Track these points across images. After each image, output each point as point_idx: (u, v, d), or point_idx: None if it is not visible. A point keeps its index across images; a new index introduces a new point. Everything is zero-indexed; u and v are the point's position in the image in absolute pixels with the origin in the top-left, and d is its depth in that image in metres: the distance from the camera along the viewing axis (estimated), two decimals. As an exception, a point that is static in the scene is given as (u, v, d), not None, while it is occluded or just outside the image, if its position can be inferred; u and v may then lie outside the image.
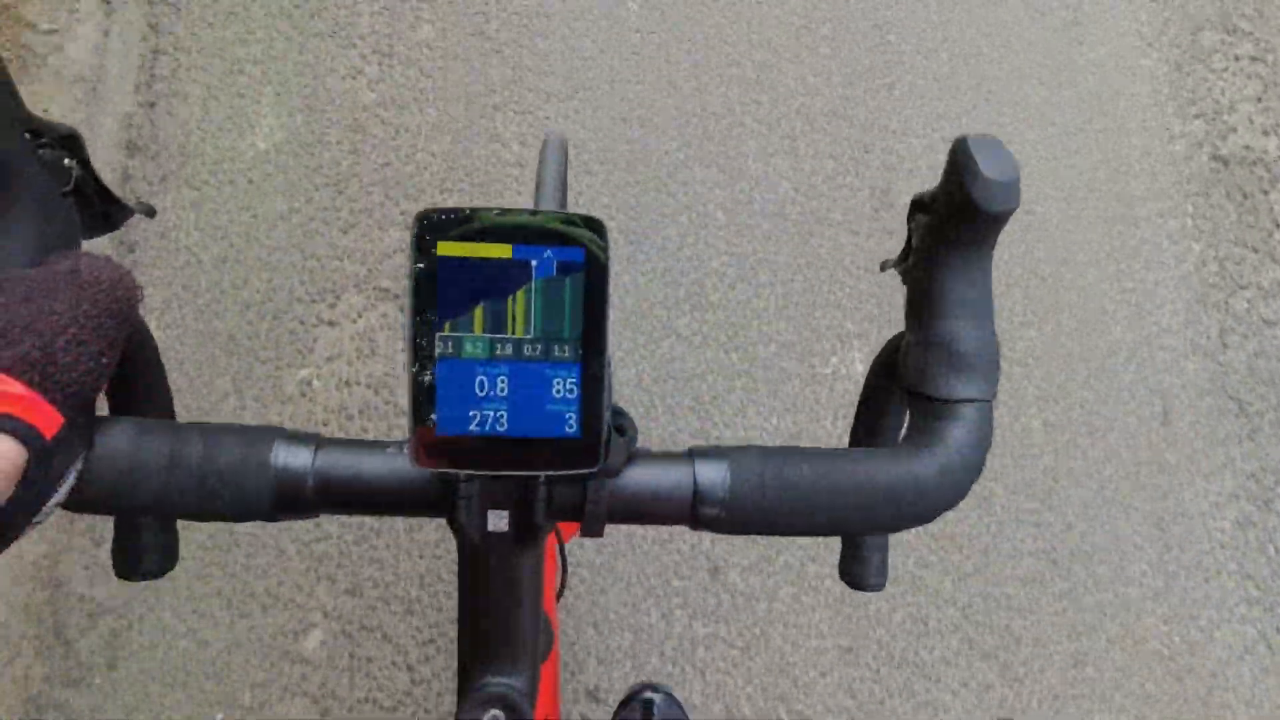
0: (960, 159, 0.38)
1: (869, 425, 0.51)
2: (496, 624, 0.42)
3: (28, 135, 0.38)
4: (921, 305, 0.42)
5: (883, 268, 0.52)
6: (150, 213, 0.49)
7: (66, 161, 0.40)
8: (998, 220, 0.38)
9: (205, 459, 0.37)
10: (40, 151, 0.39)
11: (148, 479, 0.37)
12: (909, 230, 0.45)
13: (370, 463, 0.39)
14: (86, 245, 0.44)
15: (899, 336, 0.48)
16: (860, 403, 0.52)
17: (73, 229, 0.41)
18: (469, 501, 0.38)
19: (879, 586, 0.55)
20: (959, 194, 0.38)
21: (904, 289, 0.45)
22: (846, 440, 0.55)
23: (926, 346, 0.42)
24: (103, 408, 0.39)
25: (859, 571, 0.54)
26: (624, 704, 1.20)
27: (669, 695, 1.13)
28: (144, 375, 0.46)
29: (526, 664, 0.43)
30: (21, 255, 0.38)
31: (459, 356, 0.35)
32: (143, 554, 0.49)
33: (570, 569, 1.35)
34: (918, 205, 0.44)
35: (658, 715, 1.09)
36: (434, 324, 0.35)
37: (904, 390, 0.44)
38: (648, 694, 1.14)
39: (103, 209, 0.45)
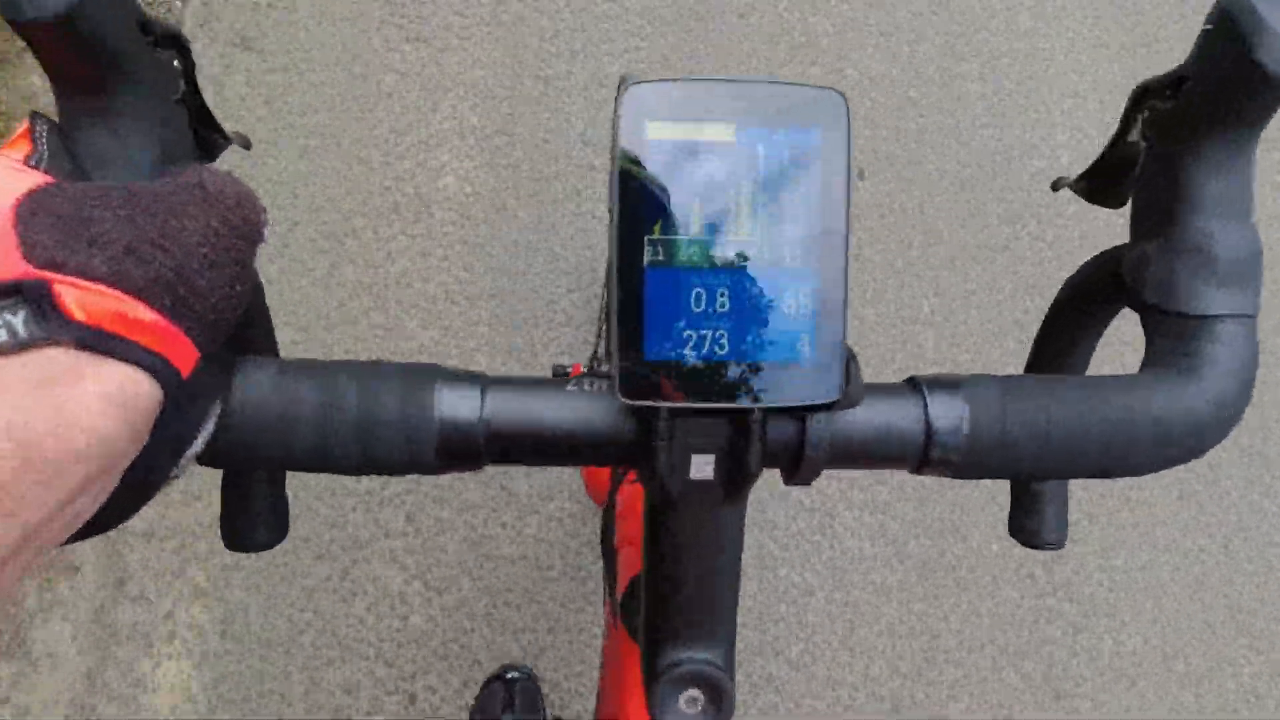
0: (1237, 15, 0.32)
1: (1062, 347, 0.44)
2: (693, 589, 0.35)
3: (140, 31, 0.32)
4: (1168, 208, 0.36)
5: (1055, 187, 0.45)
6: (247, 144, 0.43)
7: (176, 63, 0.34)
8: None
9: (362, 405, 0.31)
10: (154, 51, 0.33)
11: (297, 429, 0.31)
12: (1124, 128, 0.39)
13: (546, 404, 0.32)
14: None
15: (1110, 253, 0.41)
16: (1049, 320, 0.45)
17: (187, 142, 0.36)
18: (670, 444, 0.31)
19: (1059, 544, 0.48)
20: (1237, 61, 0.32)
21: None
22: None
23: (1178, 253, 0.35)
24: None
25: (1033, 526, 0.48)
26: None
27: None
28: (256, 312, 0.41)
29: (725, 635, 0.37)
30: (138, 169, 0.32)
31: (671, 264, 0.29)
32: (255, 523, 0.43)
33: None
34: (1147, 93, 0.37)
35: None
36: (643, 224, 0.29)
37: (1142, 310, 0.38)
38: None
39: (203, 133, 0.39)
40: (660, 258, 0.29)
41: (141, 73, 0.32)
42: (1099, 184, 0.42)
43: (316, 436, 0.31)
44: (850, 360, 0.32)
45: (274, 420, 0.30)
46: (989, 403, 0.34)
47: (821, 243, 0.29)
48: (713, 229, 0.29)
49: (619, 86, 0.29)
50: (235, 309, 0.30)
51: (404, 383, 0.32)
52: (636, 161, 0.28)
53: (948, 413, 0.33)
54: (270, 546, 0.44)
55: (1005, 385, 0.34)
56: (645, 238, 0.29)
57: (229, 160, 1.35)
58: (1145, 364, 0.37)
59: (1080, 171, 0.42)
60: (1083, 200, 0.43)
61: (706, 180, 0.29)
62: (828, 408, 0.31)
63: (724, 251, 0.29)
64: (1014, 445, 0.34)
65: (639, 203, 0.28)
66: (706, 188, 0.29)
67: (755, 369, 0.29)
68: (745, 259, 0.29)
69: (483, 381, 0.32)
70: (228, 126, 0.40)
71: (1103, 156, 0.41)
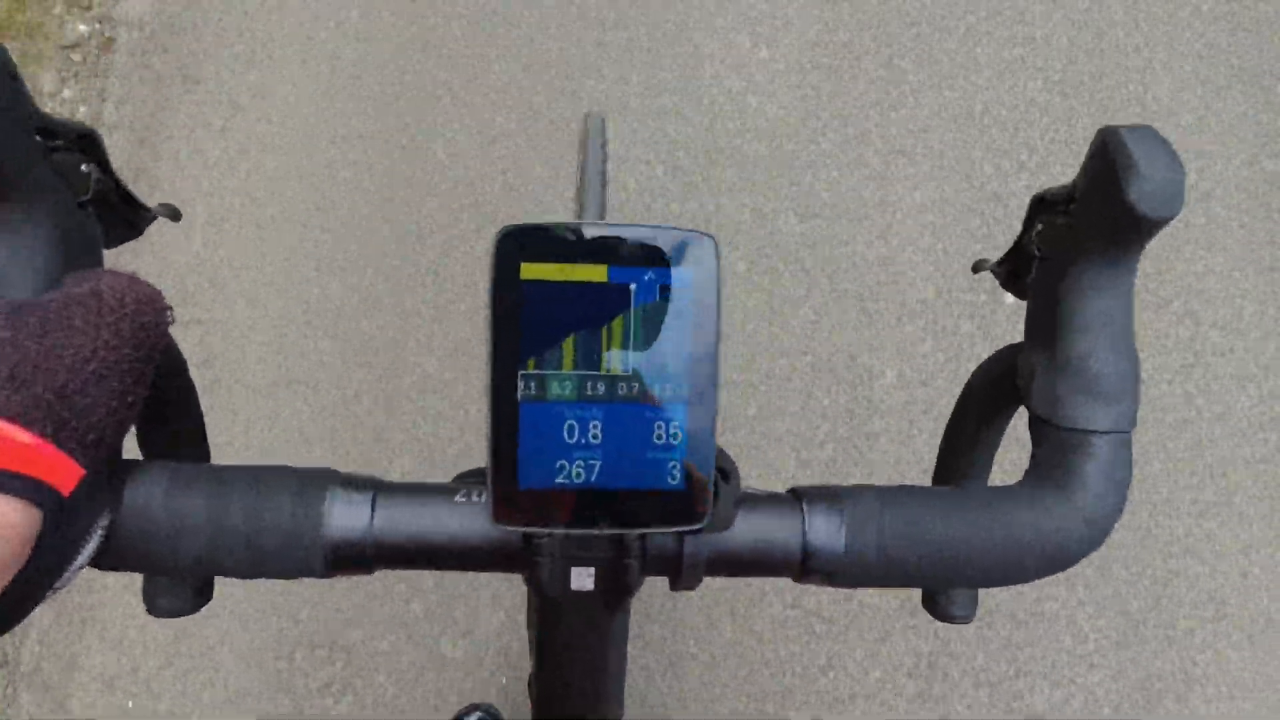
0: (1112, 154, 0.33)
1: (963, 452, 0.46)
2: (577, 688, 0.37)
3: (38, 137, 0.33)
4: (1053, 321, 0.37)
5: (976, 269, 0.46)
6: (175, 216, 0.44)
7: (84, 166, 0.35)
8: (1157, 226, 0.33)
9: (251, 513, 0.32)
10: (54, 156, 0.33)
11: (186, 537, 0.32)
12: (1026, 231, 0.40)
13: (437, 514, 0.34)
14: (108, 257, 0.39)
15: (1010, 350, 0.42)
16: (951, 425, 0.47)
17: (93, 242, 0.36)
18: (551, 559, 0.33)
19: (967, 619, 0.50)
20: (1111, 196, 0.33)
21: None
22: None
23: (1060, 370, 0.37)
24: (131, 449, 0.34)
25: (943, 602, 0.49)
26: None
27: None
28: (177, 409, 0.41)
29: None
30: (36, 278, 0.32)
31: (545, 399, 0.30)
32: (176, 592, 0.44)
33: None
34: (1044, 204, 0.38)
35: None
36: (517, 360, 0.30)
37: (1029, 417, 0.39)
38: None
39: (125, 215, 0.39)
40: (533, 392, 0.30)
41: (41, 181, 0.33)
42: (1008, 273, 0.43)
43: (206, 545, 0.32)
44: (722, 484, 0.33)
45: (163, 530, 0.31)
46: (866, 516, 0.35)
47: (691, 376, 0.30)
48: (585, 363, 0.30)
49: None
50: (124, 421, 0.31)
51: (294, 492, 0.33)
52: (510, 300, 0.29)
53: (825, 526, 0.35)
54: (192, 613, 0.45)
55: (884, 498, 0.36)
56: (519, 372, 0.30)
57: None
58: (1028, 472, 0.38)
59: (1000, 256, 0.43)
60: None
61: (579, 318, 0.30)
62: (698, 531, 0.32)
63: (596, 386, 0.30)
64: (890, 558, 0.35)
65: (512, 339, 0.30)
66: (579, 325, 0.30)
67: (627, 496, 0.31)
68: (617, 393, 0.30)
69: (374, 489, 0.34)
70: (153, 200, 0.41)
71: (1010, 251, 0.42)
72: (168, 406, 0.42)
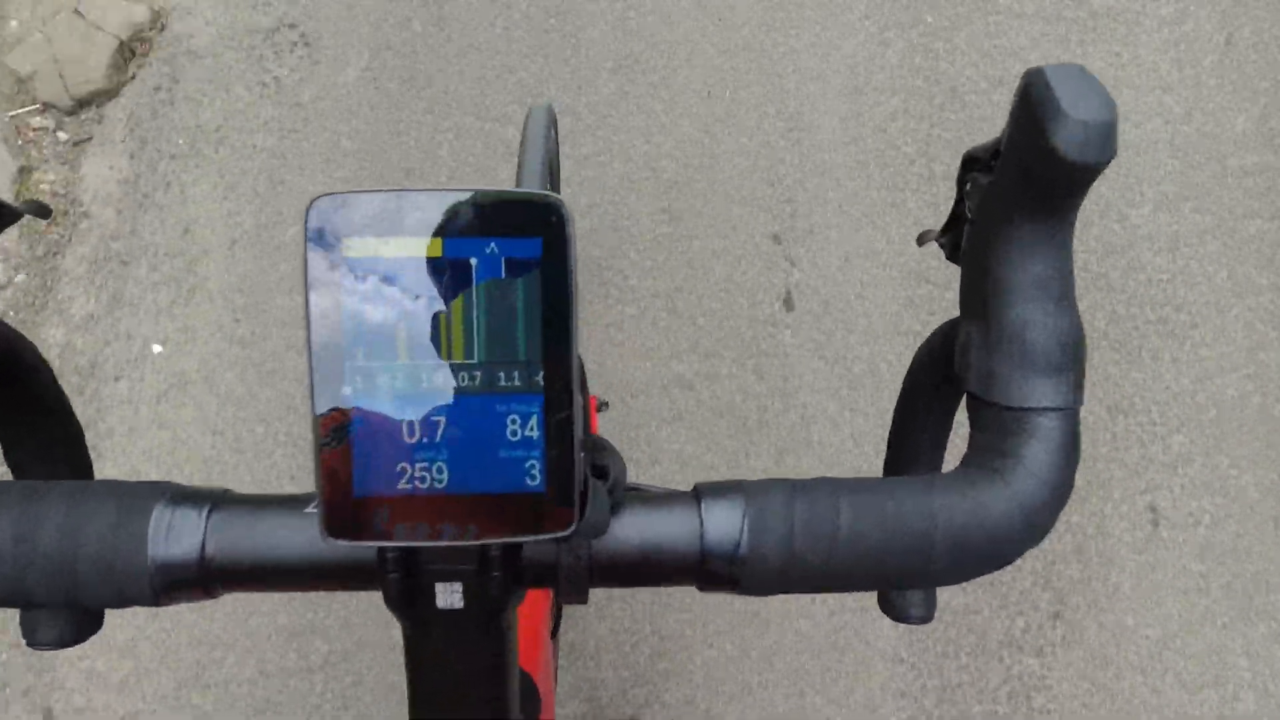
0: (1036, 96, 0.29)
1: (911, 440, 0.42)
2: (459, 714, 0.33)
3: None
4: (985, 290, 0.33)
5: (920, 241, 0.42)
6: (45, 213, 0.40)
7: None
8: (1088, 174, 0.29)
9: (65, 534, 0.29)
10: None
11: None
12: (959, 195, 0.36)
13: (281, 528, 0.30)
14: None
15: (949, 325, 0.38)
16: (898, 411, 0.43)
17: None
18: (408, 575, 0.29)
19: (926, 619, 0.46)
20: (1037, 142, 0.29)
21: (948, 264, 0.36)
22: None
23: (994, 342, 0.33)
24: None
25: (899, 602, 0.45)
26: None
27: None
28: (44, 421, 0.38)
29: None
30: None
31: (377, 394, 0.26)
32: (56, 620, 0.40)
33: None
34: (972, 162, 0.34)
35: None
36: (342, 352, 0.26)
37: (965, 396, 0.35)
38: None
39: None
40: (364, 386, 0.26)
41: None
42: (952, 243, 0.39)
43: (10, 571, 0.28)
44: (596, 483, 0.29)
45: None
46: (771, 512, 0.31)
47: (546, 361, 0.26)
48: (422, 352, 0.26)
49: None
50: None
51: (116, 508, 0.29)
52: (332, 282, 0.26)
53: (725, 524, 0.31)
54: (78, 642, 0.41)
55: (793, 491, 0.32)
56: (346, 364, 0.26)
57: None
58: (965, 459, 0.34)
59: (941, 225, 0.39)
60: None
61: (413, 299, 0.26)
62: (567, 538, 0.28)
63: (436, 377, 0.26)
64: (801, 559, 0.31)
65: (336, 328, 0.26)
66: (413, 307, 0.26)
67: (480, 501, 0.27)
68: (461, 384, 0.26)
69: (210, 502, 0.30)
70: (18, 198, 0.37)
71: (950, 218, 0.38)
72: (32, 421, 0.39)
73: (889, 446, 0.44)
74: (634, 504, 0.31)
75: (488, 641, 0.31)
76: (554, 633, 0.68)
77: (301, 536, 0.30)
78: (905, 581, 0.32)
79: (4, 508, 0.28)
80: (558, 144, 1.16)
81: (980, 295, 0.33)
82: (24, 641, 0.42)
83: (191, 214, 1.38)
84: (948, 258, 0.41)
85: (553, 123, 0.93)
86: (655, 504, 0.31)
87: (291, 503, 0.30)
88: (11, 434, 0.38)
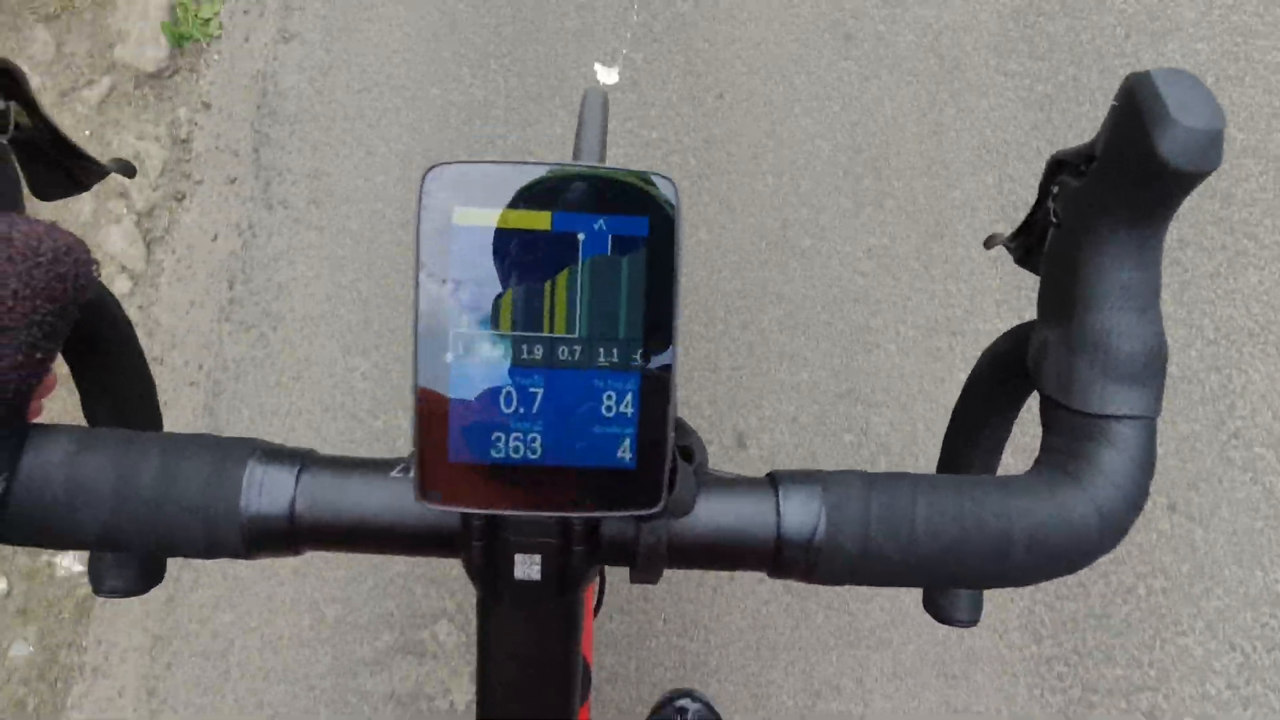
0: (1142, 101, 0.29)
1: (971, 440, 0.42)
2: (524, 686, 0.33)
3: None
4: (1070, 294, 0.33)
5: (988, 244, 0.42)
6: (129, 171, 0.41)
7: (0, 103, 0.32)
8: (1190, 182, 0.29)
9: (161, 482, 0.29)
10: None
11: (87, 506, 0.29)
12: (1040, 198, 0.36)
13: (367, 491, 0.30)
14: (46, 211, 0.36)
15: (1021, 329, 0.38)
16: (958, 410, 0.43)
17: (10, 185, 0.33)
18: (490, 544, 0.29)
19: (972, 622, 0.46)
20: (1139, 147, 0.29)
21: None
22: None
23: (1077, 347, 0.33)
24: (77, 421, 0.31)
25: (947, 604, 0.45)
26: (657, 710, 1.10)
27: (706, 705, 1.02)
28: (122, 376, 0.38)
29: None
30: None
31: (478, 361, 0.27)
32: (123, 569, 0.41)
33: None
34: (1061, 166, 0.34)
35: None
36: (448, 318, 0.26)
37: (1040, 400, 0.35)
38: (682, 701, 1.05)
39: (62, 165, 0.37)
40: (466, 354, 0.26)
41: None
42: (1024, 247, 0.39)
43: (108, 518, 0.29)
44: (682, 464, 0.29)
45: (60, 499, 0.28)
46: (849, 503, 0.31)
47: (646, 340, 0.27)
48: (526, 323, 0.26)
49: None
50: (29, 379, 0.28)
51: (211, 461, 0.30)
52: (441, 249, 0.26)
53: (803, 513, 0.31)
54: (141, 593, 0.42)
55: (870, 483, 0.32)
56: (451, 331, 0.26)
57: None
58: (1038, 461, 0.34)
59: (1013, 230, 0.39)
60: None
61: (519, 271, 0.26)
62: (653, 516, 0.29)
63: (537, 349, 0.27)
64: (876, 551, 0.31)
65: (443, 294, 0.26)
66: (519, 279, 0.26)
67: (571, 474, 0.27)
68: (560, 357, 0.27)
69: (300, 461, 0.30)
70: (103, 153, 0.38)
71: (1026, 221, 0.38)
72: (111, 373, 0.39)
73: (945, 444, 0.44)
74: (711, 487, 0.31)
75: (558, 615, 0.32)
76: (595, 611, 0.69)
77: (387, 499, 0.30)
78: (979, 580, 0.32)
79: (104, 456, 0.29)
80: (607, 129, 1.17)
81: (1064, 299, 0.33)
82: (90, 588, 0.43)
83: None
84: (1017, 262, 0.41)
85: (606, 104, 0.94)
86: (732, 488, 0.32)
87: (377, 466, 0.31)
88: (94, 386, 0.39)
